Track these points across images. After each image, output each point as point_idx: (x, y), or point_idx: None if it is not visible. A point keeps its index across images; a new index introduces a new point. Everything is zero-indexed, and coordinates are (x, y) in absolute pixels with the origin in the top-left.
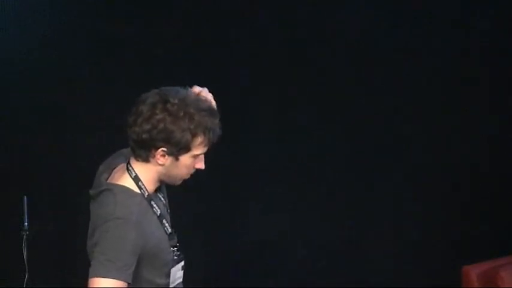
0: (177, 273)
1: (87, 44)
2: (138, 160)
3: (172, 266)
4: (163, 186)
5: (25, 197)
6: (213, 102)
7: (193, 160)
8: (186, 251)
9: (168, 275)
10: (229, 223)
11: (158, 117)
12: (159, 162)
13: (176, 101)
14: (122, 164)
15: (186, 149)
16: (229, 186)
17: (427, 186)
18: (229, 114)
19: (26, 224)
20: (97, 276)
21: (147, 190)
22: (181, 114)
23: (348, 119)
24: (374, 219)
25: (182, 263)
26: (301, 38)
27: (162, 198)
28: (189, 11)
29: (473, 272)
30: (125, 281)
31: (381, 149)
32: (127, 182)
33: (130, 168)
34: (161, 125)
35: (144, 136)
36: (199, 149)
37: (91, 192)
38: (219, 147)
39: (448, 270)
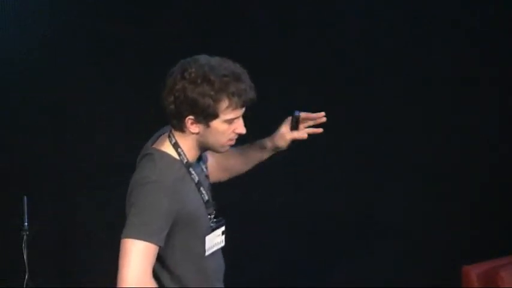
0: (213, 239)
1: (87, 44)
2: (176, 129)
3: (208, 234)
4: (206, 157)
5: (25, 197)
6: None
7: (227, 126)
8: None
9: (203, 243)
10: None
11: (178, 87)
12: (192, 130)
13: (194, 69)
14: (167, 132)
15: (214, 115)
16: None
17: (427, 186)
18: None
19: (26, 224)
20: (129, 237)
21: (186, 157)
22: (199, 80)
23: (348, 118)
24: (374, 219)
25: (222, 228)
26: (302, 38)
27: (204, 167)
28: (189, 11)
29: (473, 272)
30: (156, 243)
31: (381, 149)
32: (168, 148)
33: (171, 135)
34: (182, 95)
35: (170, 108)
36: (228, 114)
37: (138, 158)
38: None
39: (448, 270)
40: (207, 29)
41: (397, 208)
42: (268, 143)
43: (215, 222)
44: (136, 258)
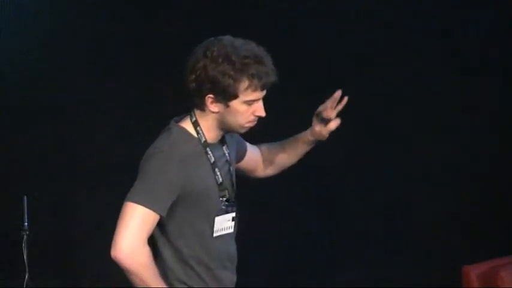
0: (223, 223)
1: (87, 44)
2: (197, 108)
3: (217, 215)
4: (234, 141)
5: (25, 197)
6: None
7: (247, 107)
8: None
9: (211, 224)
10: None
11: (199, 65)
12: (212, 109)
13: (216, 48)
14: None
15: (233, 95)
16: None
17: (427, 186)
18: None
19: (26, 224)
20: (131, 201)
21: (204, 136)
22: (220, 60)
23: (348, 118)
24: (374, 219)
25: (233, 215)
26: (302, 38)
27: (227, 153)
28: (189, 11)
29: (473, 272)
30: (156, 211)
31: (381, 149)
32: (187, 125)
33: (192, 113)
34: (203, 73)
35: (191, 86)
36: (248, 95)
37: None
38: None
39: (448, 270)
40: (207, 29)
41: (397, 208)
42: (309, 136)
43: (226, 205)
44: (134, 223)
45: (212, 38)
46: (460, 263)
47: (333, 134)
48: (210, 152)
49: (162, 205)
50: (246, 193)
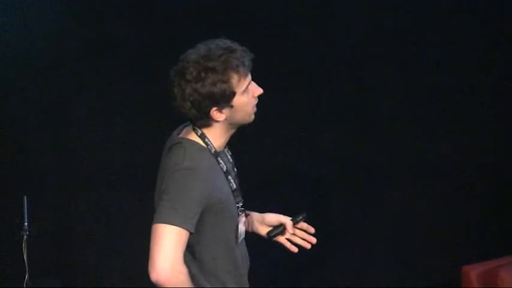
0: (242, 227)
1: (87, 44)
2: (201, 123)
3: (239, 221)
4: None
5: (25, 197)
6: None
7: (246, 95)
8: None
9: (236, 230)
10: None
11: (188, 91)
12: (220, 119)
13: (191, 68)
14: (190, 125)
15: (232, 94)
16: None
17: (427, 186)
18: None
19: (26, 224)
20: (161, 222)
21: (213, 146)
22: (203, 74)
23: (348, 118)
24: (374, 219)
25: (244, 218)
26: (302, 38)
27: (230, 157)
28: (189, 11)
29: (473, 272)
30: (187, 229)
31: (381, 149)
32: (195, 137)
33: (195, 128)
34: (196, 95)
35: (192, 112)
36: (242, 85)
37: (165, 147)
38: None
39: (448, 270)
40: (207, 29)
41: (397, 208)
42: (257, 224)
43: (242, 210)
44: (169, 243)
45: (177, 65)
46: (460, 263)
47: (334, 130)
48: (221, 161)
49: (192, 222)
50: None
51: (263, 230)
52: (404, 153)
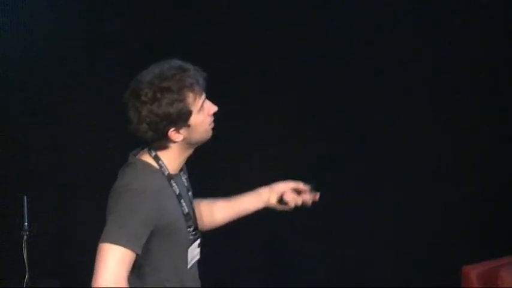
0: (194, 251)
1: (87, 44)
2: (156, 145)
3: (189, 246)
4: (185, 167)
5: (25, 197)
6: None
7: (202, 113)
8: None
9: (185, 255)
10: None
11: (144, 113)
12: (177, 139)
13: (146, 89)
14: (146, 147)
15: (188, 113)
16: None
17: (427, 186)
18: (229, 114)
19: (26, 224)
20: (106, 242)
21: (167, 169)
22: (159, 94)
23: (348, 118)
24: (374, 219)
25: (198, 241)
26: (302, 38)
27: (185, 180)
28: (189, 11)
29: (473, 272)
30: (133, 250)
31: (381, 149)
32: (149, 159)
33: (151, 149)
34: (153, 117)
35: (148, 134)
36: (198, 103)
37: (120, 169)
38: (219, 149)
39: (448, 270)
40: (207, 29)
41: (397, 208)
42: (265, 195)
43: (194, 234)
44: (113, 264)
45: (129, 89)
46: (460, 263)
47: (332, 130)
48: (174, 184)
49: (138, 243)
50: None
51: (273, 199)
52: (404, 153)
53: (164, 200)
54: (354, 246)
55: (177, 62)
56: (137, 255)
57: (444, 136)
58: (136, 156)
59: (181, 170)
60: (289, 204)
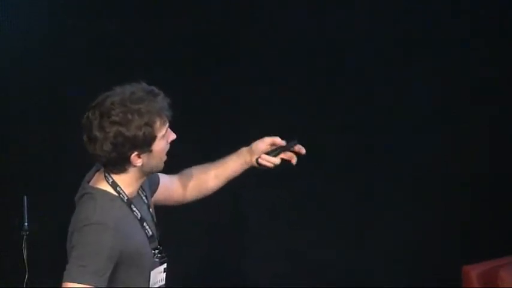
0: (157, 275)
1: (88, 44)
2: (114, 170)
3: (152, 269)
4: (146, 183)
5: (25, 197)
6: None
7: (163, 141)
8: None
9: (148, 280)
10: (229, 223)
11: (111, 134)
12: (137, 164)
13: (117, 109)
14: (101, 169)
15: (153, 138)
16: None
17: (427, 186)
18: (229, 114)
19: (26, 224)
20: (70, 281)
21: (126, 194)
22: (130, 116)
23: (348, 118)
24: (374, 219)
25: (164, 266)
26: (302, 38)
27: (144, 198)
28: (189, 11)
29: (473, 272)
30: (97, 286)
31: (381, 148)
32: (106, 186)
33: (107, 175)
34: (120, 139)
35: (112, 156)
36: (162, 130)
37: (76, 196)
38: (220, 149)
39: (448, 270)
40: (207, 29)
41: (397, 208)
42: (247, 156)
43: (159, 257)
44: None
45: (99, 107)
46: (460, 263)
47: (332, 131)
48: (135, 209)
49: (103, 279)
50: None
51: (253, 160)
52: (404, 154)
53: (126, 229)
54: (354, 247)
55: (146, 86)
56: None
57: (444, 136)
58: (91, 183)
59: (140, 189)
60: (267, 165)
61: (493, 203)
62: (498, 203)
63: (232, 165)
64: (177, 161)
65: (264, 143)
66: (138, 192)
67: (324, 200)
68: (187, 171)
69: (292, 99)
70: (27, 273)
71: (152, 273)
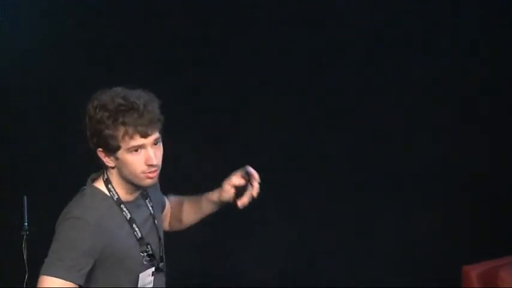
0: (145, 279)
1: (88, 44)
2: (108, 170)
3: (141, 272)
4: (156, 193)
5: (25, 197)
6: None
7: (134, 156)
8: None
9: (135, 281)
10: (229, 222)
11: (86, 120)
12: (108, 164)
13: (96, 101)
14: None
15: (116, 145)
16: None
17: (427, 186)
18: (229, 114)
19: (26, 224)
20: (45, 275)
21: (116, 193)
22: (98, 110)
23: (349, 117)
24: (374, 219)
25: (152, 269)
26: (302, 38)
27: (150, 207)
28: (189, 11)
29: (473, 272)
30: (73, 281)
31: (381, 149)
32: (101, 184)
33: (105, 171)
34: (90, 126)
35: (92, 142)
36: (128, 143)
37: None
38: (220, 149)
39: (448, 270)
40: (207, 29)
41: (397, 208)
42: (214, 196)
43: (148, 260)
44: None
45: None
46: (460, 263)
47: (333, 130)
48: (125, 209)
49: (79, 273)
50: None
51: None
52: (405, 154)
53: (111, 227)
54: (354, 246)
55: (143, 98)
56: (80, 286)
57: (445, 136)
58: (90, 180)
59: (146, 197)
60: (230, 200)
61: (493, 203)
62: (498, 203)
63: (207, 207)
64: (178, 161)
65: (229, 183)
66: (138, 199)
67: (324, 200)
68: (176, 198)
69: (292, 99)
70: (27, 273)
71: (141, 275)
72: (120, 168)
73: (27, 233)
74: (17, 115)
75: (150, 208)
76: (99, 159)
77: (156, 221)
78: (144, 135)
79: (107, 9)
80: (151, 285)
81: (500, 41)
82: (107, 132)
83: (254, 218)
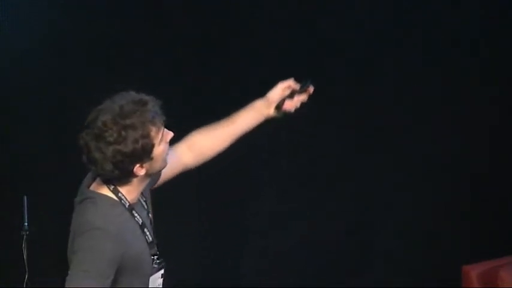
0: (156, 280)
1: (88, 44)
2: (117, 181)
3: (152, 274)
4: (147, 189)
5: (25, 197)
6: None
7: (163, 144)
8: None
9: (147, 284)
10: (229, 221)
11: (110, 153)
12: (141, 173)
13: (111, 128)
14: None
15: (152, 146)
16: (230, 186)
17: (427, 186)
18: (229, 114)
19: (26, 224)
20: (75, 286)
21: (127, 200)
22: (124, 133)
23: (349, 117)
24: (374, 219)
25: (162, 271)
26: (302, 38)
27: (144, 203)
28: (189, 11)
29: (473, 272)
30: None
31: (381, 149)
32: (107, 191)
33: (110, 180)
34: (119, 156)
35: (115, 173)
36: (159, 135)
37: (75, 200)
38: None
39: (448, 270)
40: (207, 29)
41: (397, 208)
42: (262, 108)
43: (158, 263)
44: None
45: (91, 128)
46: (460, 263)
47: (335, 127)
48: (136, 215)
49: (105, 283)
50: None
51: (271, 110)
52: (405, 154)
53: (128, 234)
54: (354, 246)
55: (134, 95)
56: None
57: (445, 136)
58: (92, 188)
59: (141, 194)
60: (289, 110)
61: (493, 203)
62: (498, 203)
63: (244, 122)
64: None
65: (279, 89)
66: (138, 198)
67: (324, 199)
68: (193, 134)
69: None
70: (27, 273)
71: (151, 278)
72: (153, 166)
73: (27, 233)
74: (17, 115)
75: (144, 203)
76: (126, 176)
77: (150, 214)
78: (163, 120)
79: (107, 9)
80: (160, 286)
81: (500, 41)
82: (145, 142)
83: (254, 217)
